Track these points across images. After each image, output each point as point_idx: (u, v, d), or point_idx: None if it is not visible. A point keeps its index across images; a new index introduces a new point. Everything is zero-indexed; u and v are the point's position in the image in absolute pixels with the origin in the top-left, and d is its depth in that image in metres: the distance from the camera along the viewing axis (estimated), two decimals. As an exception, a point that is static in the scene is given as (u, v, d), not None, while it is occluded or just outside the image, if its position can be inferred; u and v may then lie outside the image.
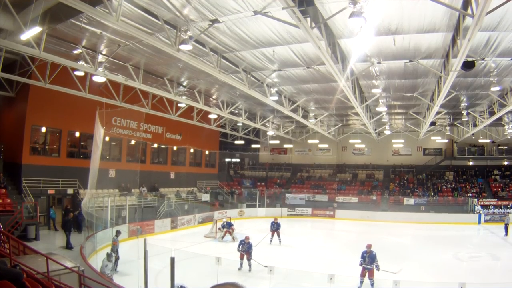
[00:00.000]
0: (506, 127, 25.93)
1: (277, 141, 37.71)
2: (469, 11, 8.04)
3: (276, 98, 18.93)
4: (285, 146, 39.61)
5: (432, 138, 32.64)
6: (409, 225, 26.85)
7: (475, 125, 26.14)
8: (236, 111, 25.73)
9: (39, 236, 17.23)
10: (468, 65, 12.22)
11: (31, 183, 19.45)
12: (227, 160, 41.03)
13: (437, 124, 28.13)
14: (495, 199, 29.52)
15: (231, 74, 15.88)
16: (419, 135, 30.81)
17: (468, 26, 8.68)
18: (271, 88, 18.22)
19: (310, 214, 31.23)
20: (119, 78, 15.81)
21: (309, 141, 36.12)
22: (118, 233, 13.96)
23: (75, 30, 12.21)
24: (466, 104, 21.59)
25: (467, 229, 25.64)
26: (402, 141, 33.40)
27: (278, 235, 19.39)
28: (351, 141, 35.34)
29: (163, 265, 11.49)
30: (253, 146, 40.53)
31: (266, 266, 11.33)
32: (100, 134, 16.76)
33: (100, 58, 14.55)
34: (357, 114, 22.20)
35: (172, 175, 29.83)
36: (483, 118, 23.04)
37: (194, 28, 11.31)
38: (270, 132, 31.37)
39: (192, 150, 31.94)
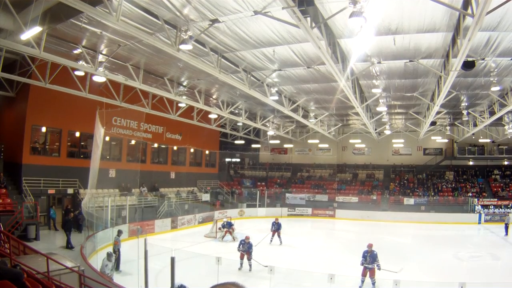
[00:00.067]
0: (506, 127, 25.92)
1: (277, 141, 37.71)
2: (469, 11, 8.03)
3: (276, 98, 18.92)
4: (285, 146, 39.62)
5: (432, 138, 32.61)
6: (409, 225, 26.84)
7: (475, 125, 26.13)
8: (236, 111, 25.73)
9: (39, 236, 17.23)
10: (468, 65, 12.22)
11: (31, 183, 19.45)
12: (227, 160, 41.05)
13: (437, 124, 28.12)
14: (495, 199, 29.52)
15: (231, 74, 15.88)
16: (419, 135, 30.81)
17: (468, 26, 8.67)
18: (271, 88, 18.22)
19: (310, 214, 31.23)
20: (119, 78, 15.81)
21: (309, 141, 36.10)
22: (119, 232, 13.98)
23: (75, 30, 12.21)
24: (466, 104, 21.58)
25: (467, 229, 25.63)
26: (402, 141, 33.39)
27: (279, 236, 19.38)
28: (351, 141, 35.34)
29: (163, 265, 11.51)
30: (253, 146, 40.54)
31: (266, 266, 11.33)
32: (100, 134, 16.77)
33: (100, 58, 14.55)
34: (357, 114, 22.21)
35: (172, 175, 29.84)
36: (483, 118, 23.03)
37: (194, 28, 11.31)
38: (270, 132, 31.37)
39: (192, 150, 31.94)
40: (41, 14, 9.42)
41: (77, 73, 16.13)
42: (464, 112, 22.66)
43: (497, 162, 33.52)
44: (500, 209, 27.97)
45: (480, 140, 31.41)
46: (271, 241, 19.34)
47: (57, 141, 22.08)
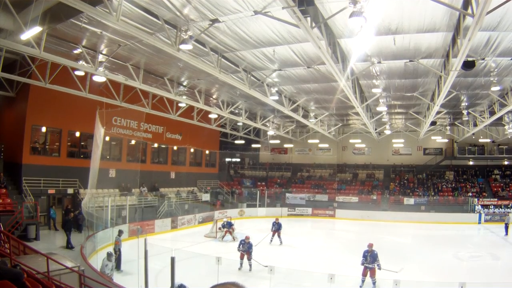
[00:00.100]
0: (506, 127, 25.92)
1: (278, 141, 37.71)
2: (469, 10, 8.03)
3: (276, 97, 18.92)
4: (285, 145, 39.62)
5: (433, 137, 32.61)
6: (409, 224, 26.85)
7: (475, 125, 26.13)
8: (236, 111, 25.73)
9: (39, 236, 17.23)
10: (468, 65, 12.22)
11: (31, 183, 19.45)
12: (227, 159, 41.05)
13: (437, 123, 28.11)
14: (496, 199, 29.52)
15: (231, 73, 15.88)
16: (420, 135, 30.80)
17: (468, 25, 8.67)
18: (271, 87, 18.21)
19: (310, 214, 31.22)
20: (119, 78, 15.81)
21: (309, 141, 36.09)
22: (120, 232, 14.00)
23: (75, 30, 12.21)
24: (466, 104, 21.58)
25: (467, 229, 25.63)
26: (402, 140, 33.39)
27: (279, 236, 19.37)
28: (351, 140, 35.34)
29: (164, 265, 11.51)
30: (253, 145, 40.54)
31: (266, 266, 11.32)
32: (100, 134, 16.77)
33: (100, 57, 14.55)
34: (357, 113, 22.21)
35: (173, 175, 29.84)
36: (484, 117, 23.03)
37: (194, 27, 11.31)
38: (270, 132, 31.37)
39: (192, 150, 31.93)
40: (41, 14, 9.41)
41: (77, 73, 16.13)
42: (464, 112, 22.66)
43: (497, 162, 33.52)
44: (500, 209, 27.97)
45: (480, 140, 31.42)
46: (271, 241, 19.34)
47: (57, 141, 22.08)
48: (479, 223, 27.13)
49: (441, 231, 24.60)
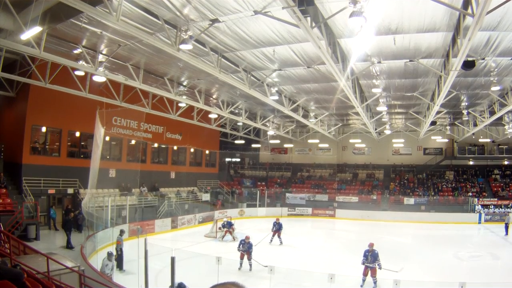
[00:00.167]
0: (506, 127, 25.92)
1: (278, 141, 37.70)
2: (469, 10, 8.03)
3: (276, 97, 18.92)
4: (285, 145, 39.63)
5: (433, 137, 32.62)
6: (409, 224, 26.86)
7: (475, 125, 26.13)
8: (236, 111, 25.73)
9: (39, 236, 17.23)
10: (468, 65, 12.22)
11: (31, 183, 19.45)
12: (227, 159, 41.05)
13: (437, 123, 28.11)
14: (496, 199, 29.52)
15: (231, 73, 15.88)
16: (420, 135, 30.80)
17: (468, 25, 8.67)
18: (271, 87, 18.21)
19: (311, 214, 31.22)
20: (119, 78, 15.81)
21: (309, 141, 36.09)
22: (122, 232, 14.03)
23: (75, 30, 12.21)
24: (466, 104, 21.58)
25: (468, 229, 25.64)
26: (402, 140, 33.40)
27: (279, 236, 19.36)
28: (351, 140, 35.34)
29: (164, 265, 11.51)
30: (253, 145, 40.54)
31: (266, 266, 11.33)
32: (100, 133, 16.77)
33: (100, 57, 14.55)
34: (357, 113, 22.21)
35: (173, 175, 29.84)
36: (484, 117, 23.03)
37: (194, 27, 11.31)
38: (271, 132, 31.37)
39: (192, 150, 31.94)
40: (41, 14, 9.41)
41: (77, 73, 16.13)
42: (464, 111, 22.66)
43: (497, 162, 33.52)
44: (500, 208, 27.96)
45: (480, 140, 31.42)
46: (271, 241, 19.34)
47: (57, 141, 22.07)
48: (479, 223, 27.13)
49: (441, 231, 24.60)
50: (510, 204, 28.09)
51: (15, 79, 17.18)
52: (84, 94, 17.25)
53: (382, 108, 21.14)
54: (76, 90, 17.01)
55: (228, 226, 20.14)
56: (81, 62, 13.94)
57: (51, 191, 20.56)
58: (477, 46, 12.21)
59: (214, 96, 22.87)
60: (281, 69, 15.88)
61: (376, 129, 30.44)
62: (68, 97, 18.18)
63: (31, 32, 9.86)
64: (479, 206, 28.49)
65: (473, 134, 28.99)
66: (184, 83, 19.51)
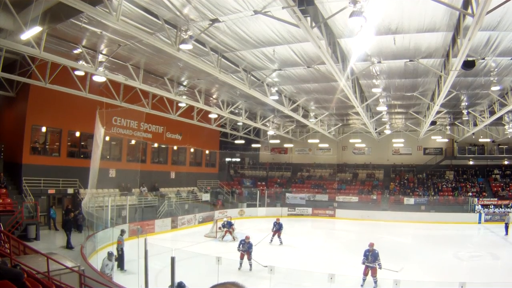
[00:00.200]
0: (506, 127, 25.93)
1: (278, 141, 37.70)
2: (469, 10, 8.03)
3: (276, 97, 18.92)
4: (286, 145, 39.63)
5: (433, 137, 32.63)
6: (409, 224, 26.86)
7: (475, 125, 26.13)
8: (236, 111, 25.73)
9: (39, 236, 17.23)
10: (468, 65, 12.22)
11: (31, 183, 19.45)
12: (227, 159, 41.04)
13: (437, 123, 28.12)
14: (496, 199, 29.51)
15: (231, 73, 15.88)
16: (420, 135, 30.81)
17: (468, 25, 8.67)
18: (271, 87, 18.21)
19: (311, 214, 31.22)
20: (119, 78, 15.81)
21: (309, 141, 36.09)
22: (123, 232, 14.04)
23: (75, 30, 12.21)
24: (466, 104, 21.57)
25: (468, 229, 25.64)
26: (402, 140, 33.40)
27: (279, 236, 19.36)
28: (351, 140, 35.33)
29: (164, 265, 11.51)
30: (253, 145, 40.54)
31: (266, 266, 11.33)
32: (100, 133, 16.77)
33: (100, 57, 14.55)
34: (357, 113, 22.21)
35: (173, 175, 29.84)
36: (484, 117, 23.03)
37: (194, 27, 11.30)
38: (271, 132, 31.37)
39: (192, 150, 31.94)
40: (41, 14, 9.41)
41: (77, 73, 16.13)
42: (464, 111, 22.66)
43: (497, 162, 33.52)
44: (500, 208, 27.96)
45: (480, 140, 31.43)
46: (271, 241, 19.33)
47: (57, 141, 22.07)
48: (479, 223, 27.13)
49: (441, 231, 24.60)
50: (510, 204, 28.08)
51: (15, 79, 17.18)
52: (84, 94, 17.25)
53: (382, 108, 21.14)
54: (76, 90, 17.01)
55: (228, 226, 20.14)
56: (81, 62, 13.94)
57: (51, 191, 20.56)
58: (477, 46, 12.21)
59: (214, 96, 22.87)
60: (281, 69, 15.88)
61: (376, 129, 30.45)
62: (68, 97, 18.18)
63: (31, 32, 9.86)
64: (479, 206, 28.49)
65: (473, 134, 29.00)
66: (184, 83, 19.51)
